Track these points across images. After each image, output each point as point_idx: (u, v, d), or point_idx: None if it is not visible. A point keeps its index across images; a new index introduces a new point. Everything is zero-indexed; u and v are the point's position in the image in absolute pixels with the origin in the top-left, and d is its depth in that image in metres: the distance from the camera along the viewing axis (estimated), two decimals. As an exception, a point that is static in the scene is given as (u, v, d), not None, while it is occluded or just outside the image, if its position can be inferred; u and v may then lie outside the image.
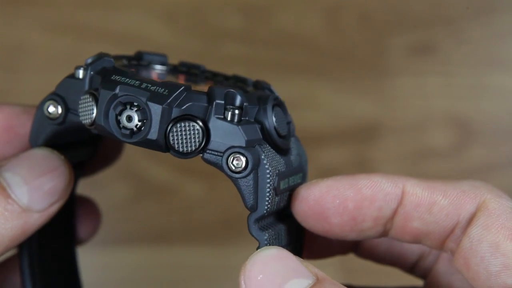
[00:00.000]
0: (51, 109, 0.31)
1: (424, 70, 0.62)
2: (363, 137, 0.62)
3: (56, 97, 0.31)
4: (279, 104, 0.31)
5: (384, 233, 0.32)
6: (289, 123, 0.32)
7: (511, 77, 0.62)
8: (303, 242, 0.33)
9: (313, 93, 0.61)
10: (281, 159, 0.30)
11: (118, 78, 0.29)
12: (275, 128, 0.30)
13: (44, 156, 0.31)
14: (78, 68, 0.31)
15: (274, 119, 0.30)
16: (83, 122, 0.30)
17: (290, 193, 0.31)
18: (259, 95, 0.31)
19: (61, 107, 0.31)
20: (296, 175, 0.31)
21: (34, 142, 0.32)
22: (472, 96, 0.62)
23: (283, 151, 0.30)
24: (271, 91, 0.33)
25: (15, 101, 0.58)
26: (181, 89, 0.29)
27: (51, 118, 0.31)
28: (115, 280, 0.59)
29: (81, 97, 0.30)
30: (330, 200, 0.31)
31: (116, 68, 0.30)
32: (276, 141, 0.30)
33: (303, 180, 0.32)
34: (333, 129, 0.61)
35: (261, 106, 0.30)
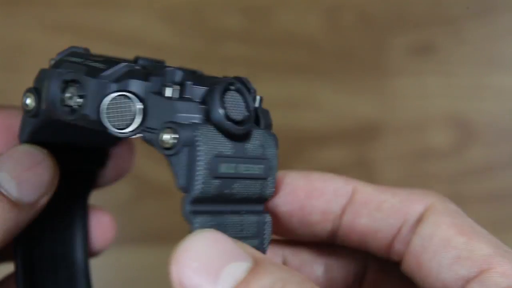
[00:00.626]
0: (28, 101, 0.31)
1: (424, 70, 0.62)
2: (363, 137, 0.62)
3: (32, 89, 0.31)
4: (238, 90, 0.30)
5: (332, 233, 0.32)
6: (251, 110, 0.30)
7: (511, 77, 0.62)
8: (265, 241, 0.31)
9: (313, 93, 0.61)
10: (228, 143, 0.29)
11: (68, 59, 0.29)
12: (223, 109, 0.29)
13: (26, 152, 0.31)
14: (51, 59, 0.31)
15: (222, 101, 0.28)
16: (42, 108, 0.30)
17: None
18: (216, 80, 0.30)
19: (35, 98, 0.31)
20: (254, 164, 0.30)
21: (21, 138, 0.32)
22: (472, 96, 0.62)
23: (234, 135, 0.29)
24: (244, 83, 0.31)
25: (15, 101, 0.58)
26: (121, 65, 0.28)
27: (27, 111, 0.31)
28: (115, 280, 0.59)
29: None
30: (282, 187, 0.31)
31: (75, 52, 0.30)
32: (221, 123, 0.29)
33: (267, 172, 0.30)
34: (333, 129, 0.61)
35: (210, 87, 0.29)
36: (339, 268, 0.34)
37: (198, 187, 0.28)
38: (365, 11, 0.62)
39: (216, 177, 0.28)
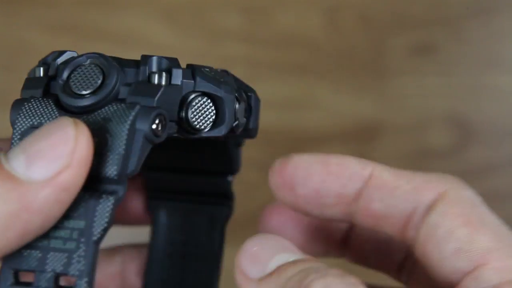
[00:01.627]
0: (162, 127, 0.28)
1: (424, 70, 0.62)
2: (363, 137, 0.62)
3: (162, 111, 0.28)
4: (97, 64, 0.29)
5: (349, 216, 0.33)
6: (105, 86, 0.28)
7: (511, 77, 0.62)
8: None
9: (313, 93, 0.61)
10: (58, 115, 0.28)
11: None
12: (61, 83, 0.28)
13: (53, 123, 0.27)
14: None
15: (66, 74, 0.28)
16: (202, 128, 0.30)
17: None
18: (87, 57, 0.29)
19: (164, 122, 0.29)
20: None
21: None
22: (472, 96, 0.62)
23: (69, 108, 0.28)
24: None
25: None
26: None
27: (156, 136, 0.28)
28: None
29: (193, 103, 0.29)
30: (299, 172, 0.32)
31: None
32: (60, 96, 0.28)
33: (100, 149, 0.28)
34: (333, 129, 0.61)
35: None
36: None
37: None
38: (365, 11, 0.62)
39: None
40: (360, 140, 0.62)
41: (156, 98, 0.28)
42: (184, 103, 0.29)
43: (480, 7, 0.62)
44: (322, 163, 0.32)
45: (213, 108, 0.30)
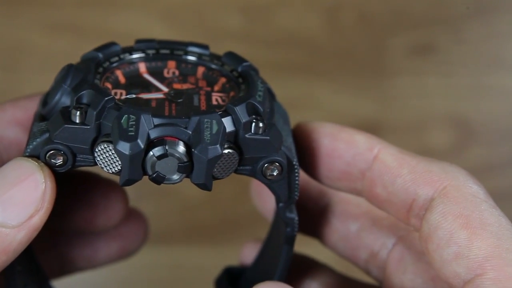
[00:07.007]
0: (58, 161, 0.29)
1: (424, 70, 0.62)
2: (363, 137, 0.62)
3: (59, 146, 0.29)
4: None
5: (356, 192, 0.33)
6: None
7: (511, 77, 0.62)
8: None
9: (313, 93, 0.61)
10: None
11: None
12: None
13: (15, 166, 0.28)
14: (75, 109, 0.29)
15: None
16: (107, 171, 0.29)
17: None
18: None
19: (68, 157, 0.29)
20: None
21: (25, 150, 0.30)
22: (472, 96, 0.62)
23: None
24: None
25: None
26: None
27: (56, 166, 0.29)
28: (115, 280, 0.59)
29: (99, 148, 0.28)
30: (308, 138, 0.33)
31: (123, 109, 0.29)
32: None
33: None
34: (333, 129, 0.61)
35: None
36: None
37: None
38: (365, 11, 0.62)
39: None
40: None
41: None
42: None
43: (480, 7, 0.62)
44: (331, 137, 0.33)
45: None
